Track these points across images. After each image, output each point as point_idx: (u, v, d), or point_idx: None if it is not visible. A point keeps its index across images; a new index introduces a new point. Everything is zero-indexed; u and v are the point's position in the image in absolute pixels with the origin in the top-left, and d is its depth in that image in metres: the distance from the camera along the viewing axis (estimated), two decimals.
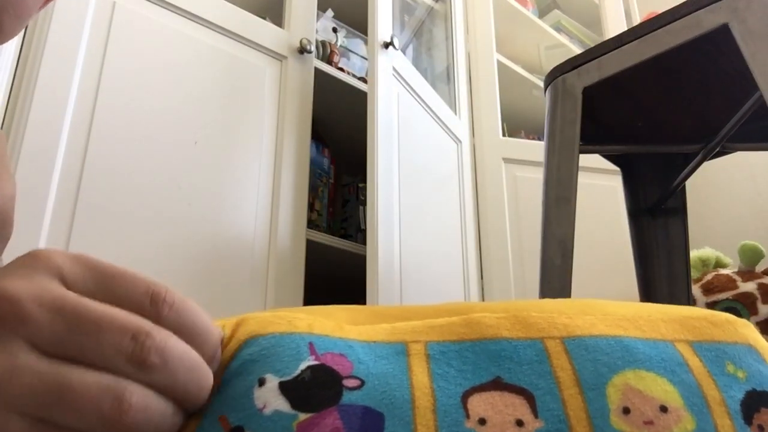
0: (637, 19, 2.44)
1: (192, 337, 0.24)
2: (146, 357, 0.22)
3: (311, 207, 1.67)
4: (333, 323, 0.27)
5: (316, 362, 0.24)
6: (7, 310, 0.21)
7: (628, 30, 0.91)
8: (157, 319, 0.23)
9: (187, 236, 1.23)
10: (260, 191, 1.39)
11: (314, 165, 1.70)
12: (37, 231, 1.05)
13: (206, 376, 0.24)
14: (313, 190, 1.67)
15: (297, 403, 0.23)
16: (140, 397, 0.22)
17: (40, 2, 0.48)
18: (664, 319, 0.29)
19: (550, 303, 0.29)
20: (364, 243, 1.33)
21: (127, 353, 0.22)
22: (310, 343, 0.25)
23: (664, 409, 0.24)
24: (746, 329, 0.29)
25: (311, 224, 1.60)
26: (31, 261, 0.23)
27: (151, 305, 0.23)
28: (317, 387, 0.24)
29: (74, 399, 0.20)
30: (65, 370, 0.21)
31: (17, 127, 1.09)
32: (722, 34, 0.80)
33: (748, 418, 0.25)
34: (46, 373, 0.20)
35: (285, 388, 0.24)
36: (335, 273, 1.71)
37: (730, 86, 0.97)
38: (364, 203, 1.81)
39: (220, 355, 0.25)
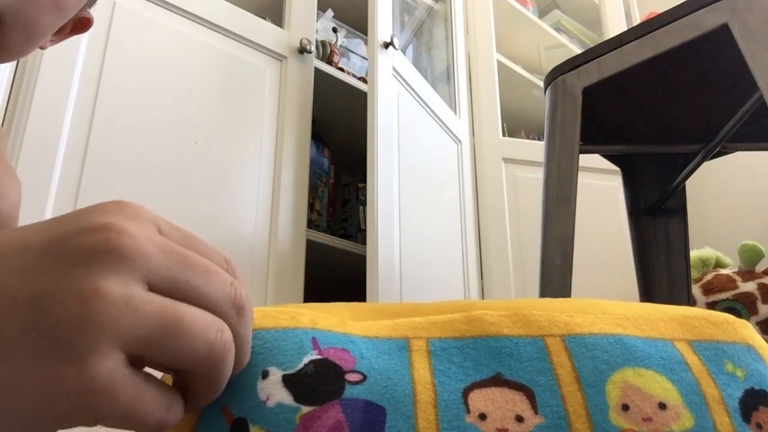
0: (637, 19, 2.44)
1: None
2: (244, 303, 0.24)
3: (311, 207, 1.67)
4: (336, 319, 0.27)
5: (318, 356, 0.25)
6: (128, 244, 0.21)
7: (628, 30, 0.91)
8: (232, 275, 0.25)
9: None
10: (260, 191, 1.40)
11: (314, 165, 1.70)
12: None
13: (250, 340, 0.25)
14: (313, 190, 1.68)
15: (300, 396, 0.23)
16: (231, 338, 0.23)
17: (53, 28, 0.48)
18: (663, 319, 0.29)
19: (550, 302, 0.29)
20: (364, 243, 1.33)
21: (231, 297, 0.24)
22: (313, 338, 0.26)
23: (662, 406, 0.25)
24: (745, 329, 0.30)
25: (311, 224, 1.60)
26: (128, 206, 0.23)
27: (227, 264, 0.25)
28: (320, 381, 0.24)
29: (186, 329, 0.21)
30: (175, 303, 0.22)
31: (17, 127, 1.10)
32: (722, 34, 0.80)
33: (746, 416, 0.25)
34: (162, 304, 0.21)
35: (288, 381, 0.24)
36: (335, 273, 1.72)
37: (730, 86, 0.97)
38: (364, 203, 1.81)
39: None
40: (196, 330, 0.22)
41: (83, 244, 0.21)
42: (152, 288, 0.22)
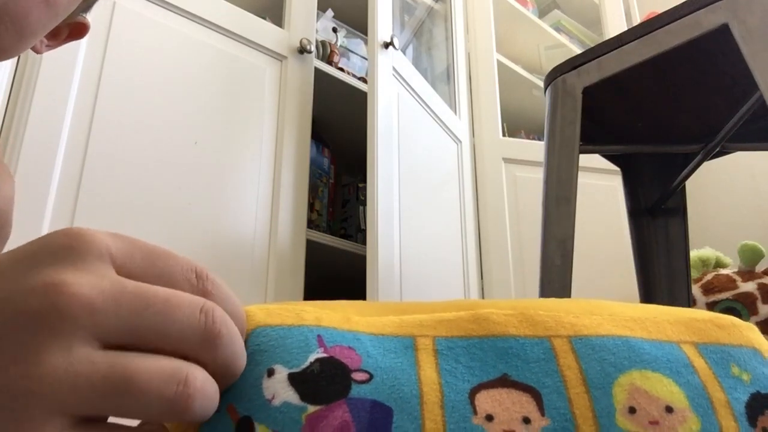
0: (637, 19, 2.44)
1: (231, 312, 0.24)
2: (219, 329, 0.22)
3: (311, 207, 1.67)
4: (340, 315, 0.27)
5: (324, 355, 0.24)
6: (69, 304, 0.20)
7: (628, 30, 0.91)
8: (205, 293, 0.23)
9: (187, 236, 1.23)
10: (260, 191, 1.39)
11: (314, 165, 1.70)
12: (37, 232, 1.05)
13: (245, 353, 0.24)
14: (313, 190, 1.68)
15: (306, 395, 0.23)
16: (202, 380, 0.21)
17: (45, 27, 0.46)
18: (670, 321, 0.29)
19: (556, 302, 0.29)
20: (364, 243, 1.33)
21: (201, 328, 0.22)
22: (319, 336, 0.25)
23: (669, 409, 0.24)
24: (751, 332, 0.30)
25: (311, 224, 1.60)
26: (78, 243, 0.22)
27: (198, 280, 0.23)
28: (326, 380, 0.24)
29: (137, 388, 0.20)
30: (125, 359, 0.20)
31: (17, 127, 1.09)
32: (722, 34, 0.80)
33: (752, 420, 0.25)
34: (107, 365, 0.20)
35: (294, 379, 0.24)
36: (335, 273, 1.71)
37: (730, 86, 0.97)
38: (364, 203, 1.81)
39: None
40: (151, 387, 0.20)
41: (22, 310, 0.20)
42: (105, 343, 0.20)
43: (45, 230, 1.06)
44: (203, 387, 0.21)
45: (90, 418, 0.20)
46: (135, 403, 0.20)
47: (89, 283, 0.20)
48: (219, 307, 0.23)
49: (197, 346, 0.22)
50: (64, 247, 0.21)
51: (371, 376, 0.24)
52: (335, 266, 1.67)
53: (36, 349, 0.19)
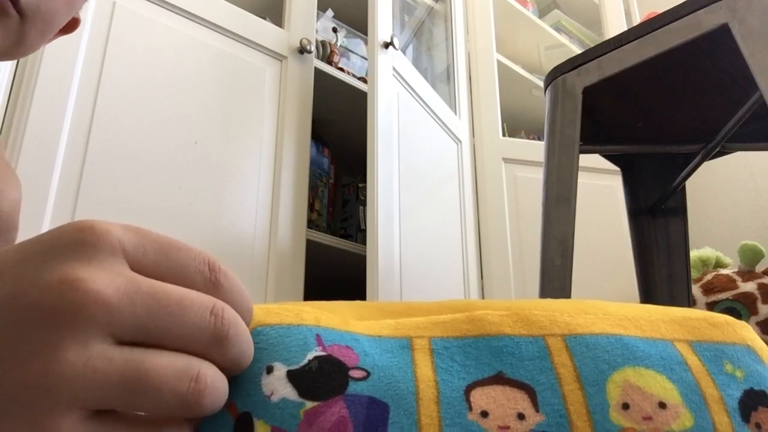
0: (637, 19, 2.44)
1: (241, 305, 0.24)
2: (227, 330, 0.22)
3: (311, 207, 1.67)
4: (339, 318, 0.27)
5: (323, 353, 0.25)
6: (85, 300, 0.20)
7: (628, 30, 0.91)
8: (216, 285, 0.24)
9: (187, 236, 1.23)
10: (260, 191, 1.40)
11: (314, 165, 1.70)
12: (37, 231, 1.05)
13: (252, 346, 0.25)
14: (313, 190, 1.68)
15: (304, 391, 0.24)
16: (212, 376, 0.22)
17: (62, 24, 0.49)
18: (663, 320, 0.29)
19: (551, 302, 0.29)
20: (364, 243, 1.33)
21: (210, 329, 0.22)
22: (317, 335, 0.26)
23: (662, 405, 0.25)
24: (744, 330, 0.30)
25: (311, 224, 1.60)
26: (91, 237, 0.21)
27: (211, 272, 0.24)
28: (324, 377, 0.24)
29: (152, 384, 0.20)
30: (140, 355, 0.21)
31: (17, 127, 1.10)
32: (722, 34, 0.80)
33: (745, 416, 0.26)
34: (123, 361, 0.20)
35: (292, 376, 0.24)
36: (335, 273, 1.72)
37: (730, 86, 0.98)
38: (364, 203, 1.81)
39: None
40: (165, 383, 0.21)
41: (38, 306, 0.20)
42: (119, 339, 0.21)
43: (45, 230, 1.07)
44: (213, 383, 0.22)
45: (103, 410, 0.21)
46: (150, 398, 0.20)
47: (104, 280, 0.21)
48: (229, 307, 0.23)
49: (206, 345, 0.22)
50: (77, 242, 0.21)
51: (368, 374, 0.25)
52: (335, 266, 1.68)
53: (54, 345, 0.20)
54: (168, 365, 0.21)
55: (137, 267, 0.22)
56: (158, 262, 0.23)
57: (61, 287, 0.20)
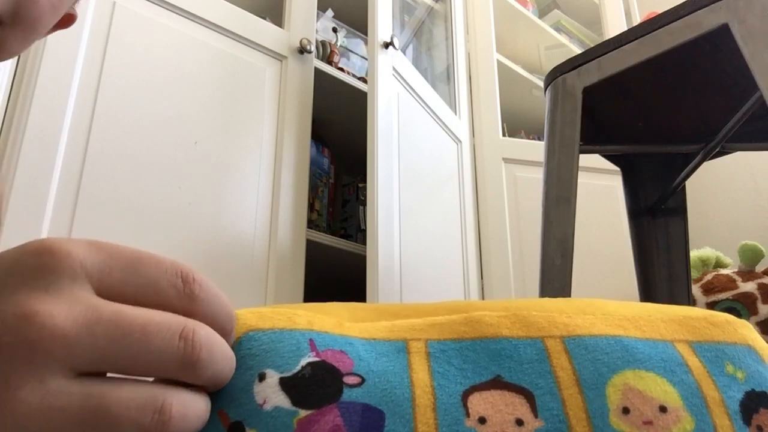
0: (637, 19, 2.44)
1: (218, 316, 0.23)
2: (198, 354, 0.21)
3: (311, 207, 1.67)
4: (333, 320, 0.27)
5: (316, 359, 0.24)
6: (39, 335, 0.19)
7: (628, 30, 0.91)
8: (192, 297, 0.23)
9: (187, 236, 1.23)
10: (260, 191, 1.39)
11: (314, 165, 1.70)
12: (37, 231, 1.05)
13: (233, 360, 0.24)
14: (313, 190, 1.68)
15: (297, 399, 0.23)
16: (179, 405, 0.21)
17: (49, 27, 0.47)
18: (663, 319, 0.29)
19: (550, 302, 0.29)
20: (364, 243, 1.33)
21: (179, 355, 0.21)
22: (311, 340, 0.25)
23: (663, 409, 0.24)
24: (745, 330, 0.29)
25: (311, 224, 1.60)
26: (50, 262, 0.20)
27: (184, 284, 0.23)
28: (317, 384, 0.23)
29: (112, 419, 0.20)
30: (100, 389, 0.20)
31: (17, 127, 1.10)
32: (722, 34, 0.80)
33: (747, 419, 0.25)
34: (82, 396, 0.20)
35: (285, 384, 0.23)
36: (335, 273, 1.72)
37: (730, 86, 0.97)
38: (364, 203, 1.81)
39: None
40: (126, 416, 0.20)
41: None
42: (80, 372, 0.20)
43: (45, 230, 1.06)
44: (181, 411, 0.21)
45: None
46: None
47: (62, 312, 0.20)
48: (202, 326, 0.22)
49: (175, 371, 0.21)
50: (35, 268, 0.20)
51: (363, 380, 0.24)
52: (335, 266, 1.67)
53: (7, 383, 0.19)
54: (129, 398, 0.20)
55: (103, 288, 0.21)
56: (126, 281, 0.22)
57: (16, 322, 0.19)
